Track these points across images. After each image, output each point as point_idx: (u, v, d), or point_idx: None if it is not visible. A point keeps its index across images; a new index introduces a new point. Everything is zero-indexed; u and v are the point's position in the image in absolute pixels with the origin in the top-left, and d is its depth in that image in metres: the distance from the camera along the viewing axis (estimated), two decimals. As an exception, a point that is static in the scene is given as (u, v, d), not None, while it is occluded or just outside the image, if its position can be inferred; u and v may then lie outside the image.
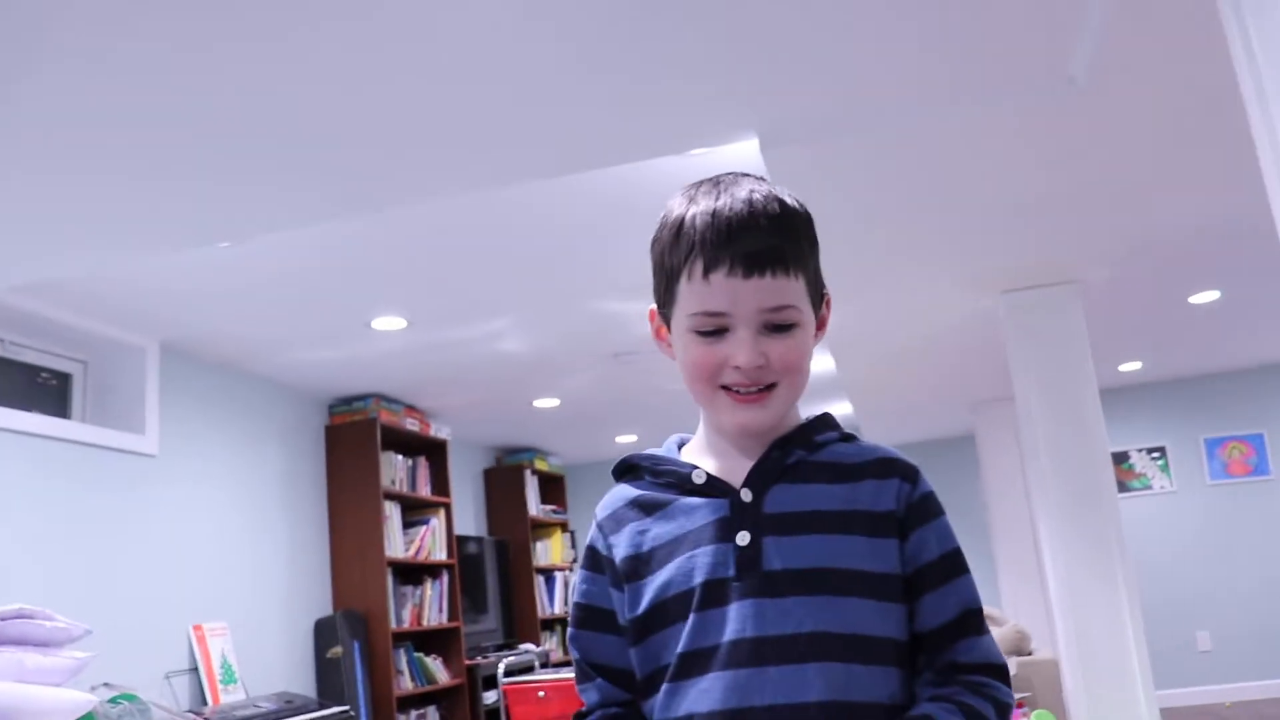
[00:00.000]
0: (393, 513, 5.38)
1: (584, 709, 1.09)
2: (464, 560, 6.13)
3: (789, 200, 1.02)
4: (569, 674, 3.36)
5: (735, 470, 1.04)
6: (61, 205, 2.64)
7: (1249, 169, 1.26)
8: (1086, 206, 3.44)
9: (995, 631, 4.17)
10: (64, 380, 4.10)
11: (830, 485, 1.02)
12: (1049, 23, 2.23)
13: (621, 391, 5.99)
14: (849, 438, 1.08)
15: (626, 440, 7.58)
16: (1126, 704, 3.81)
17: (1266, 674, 7.08)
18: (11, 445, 3.48)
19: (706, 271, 0.98)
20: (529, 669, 3.95)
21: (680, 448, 1.11)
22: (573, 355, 5.07)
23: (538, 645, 6.72)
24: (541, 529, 7.48)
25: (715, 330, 0.99)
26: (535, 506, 7.37)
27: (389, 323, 4.23)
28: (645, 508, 1.06)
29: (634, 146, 2.69)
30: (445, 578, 5.77)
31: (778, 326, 0.99)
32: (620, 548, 1.05)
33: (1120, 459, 7.52)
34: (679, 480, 1.06)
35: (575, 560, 7.65)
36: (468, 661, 5.79)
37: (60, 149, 2.35)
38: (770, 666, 0.95)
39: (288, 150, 2.46)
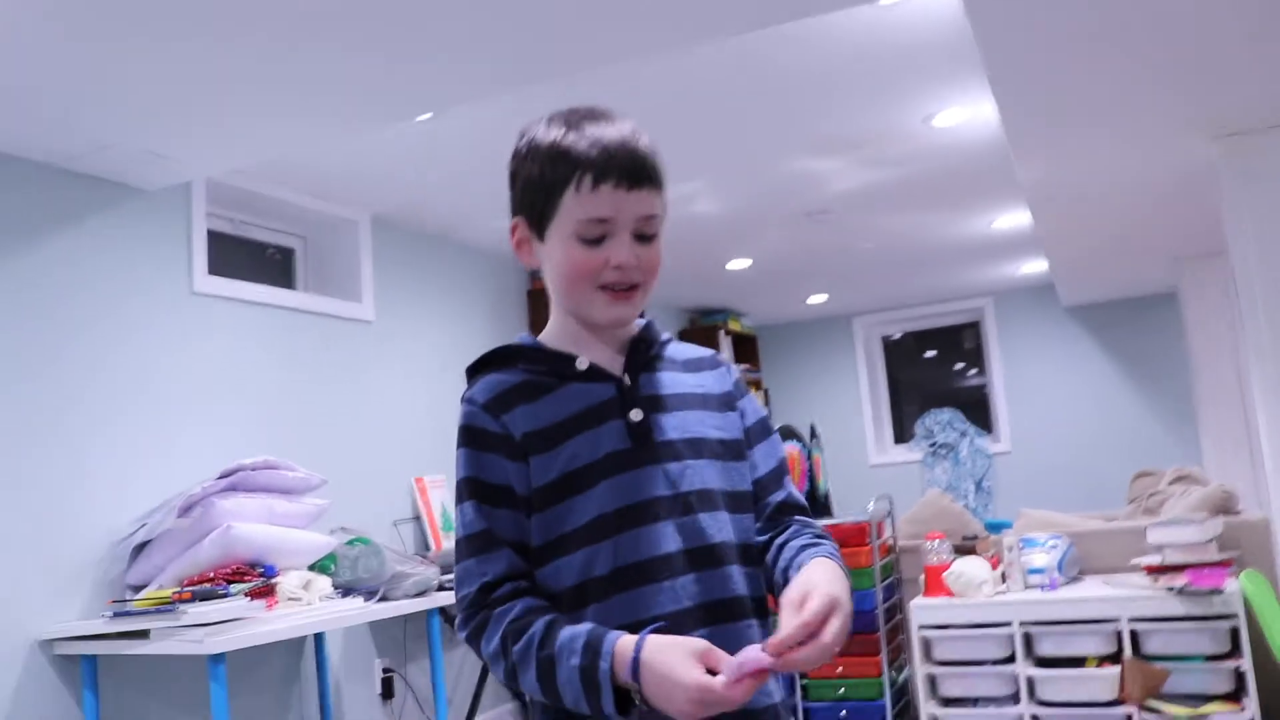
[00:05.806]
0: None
1: (492, 578, 1.14)
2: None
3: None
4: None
5: (602, 362, 1.21)
6: (271, 93, 2.78)
7: None
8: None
9: (1200, 492, 3.98)
10: (287, 255, 4.39)
11: (682, 374, 1.25)
12: None
13: (813, 251, 5.89)
14: (671, 340, 1.31)
15: (817, 300, 7.47)
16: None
17: None
18: (246, 314, 3.78)
19: (596, 183, 1.13)
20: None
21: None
22: (765, 215, 5.02)
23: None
24: (735, 389, 7.57)
25: (597, 236, 1.15)
26: (729, 367, 7.44)
27: (581, 188, 4.28)
28: (529, 392, 1.19)
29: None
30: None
31: (645, 235, 1.17)
32: (518, 425, 1.17)
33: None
34: (559, 369, 1.20)
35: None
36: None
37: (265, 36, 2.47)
38: (697, 514, 1.15)
39: (478, 15, 2.48)
